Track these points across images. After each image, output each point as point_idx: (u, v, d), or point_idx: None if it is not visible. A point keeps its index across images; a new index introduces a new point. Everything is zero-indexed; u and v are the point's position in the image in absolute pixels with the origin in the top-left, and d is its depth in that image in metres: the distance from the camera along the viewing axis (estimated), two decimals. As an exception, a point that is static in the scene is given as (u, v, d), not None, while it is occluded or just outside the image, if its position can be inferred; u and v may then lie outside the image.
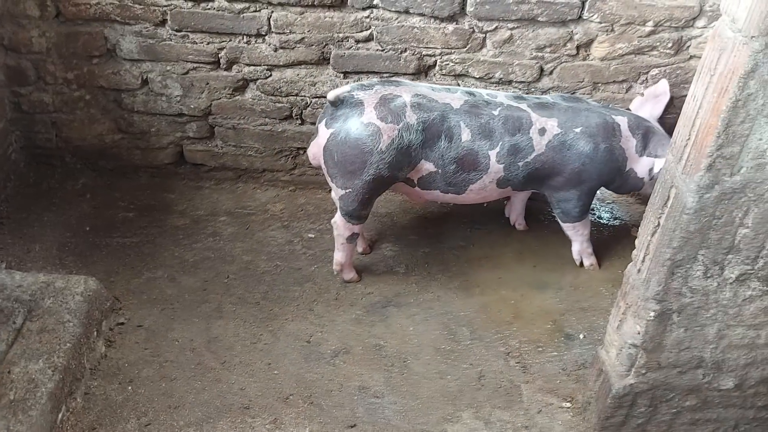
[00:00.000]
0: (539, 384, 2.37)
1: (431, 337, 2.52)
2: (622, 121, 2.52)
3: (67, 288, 2.37)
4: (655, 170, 2.53)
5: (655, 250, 1.78)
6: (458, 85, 2.84)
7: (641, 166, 2.58)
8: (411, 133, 2.33)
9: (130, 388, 2.27)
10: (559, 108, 2.49)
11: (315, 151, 2.46)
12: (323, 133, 2.38)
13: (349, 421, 2.21)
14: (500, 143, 2.41)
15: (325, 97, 2.87)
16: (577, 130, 2.45)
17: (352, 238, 2.58)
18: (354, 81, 2.84)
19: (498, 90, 2.65)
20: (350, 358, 2.42)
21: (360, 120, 2.31)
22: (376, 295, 2.68)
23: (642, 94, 2.75)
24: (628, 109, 2.73)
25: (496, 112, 2.41)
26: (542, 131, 2.44)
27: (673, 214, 1.70)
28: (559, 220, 2.71)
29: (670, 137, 2.60)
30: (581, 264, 2.82)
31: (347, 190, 2.42)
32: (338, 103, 2.35)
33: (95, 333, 2.35)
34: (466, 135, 2.38)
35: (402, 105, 2.33)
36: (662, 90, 2.71)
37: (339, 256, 2.64)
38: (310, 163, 2.57)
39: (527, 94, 2.58)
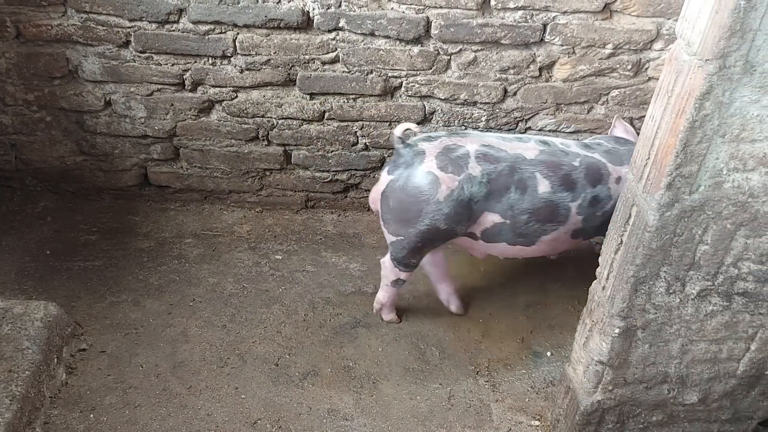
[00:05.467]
0: (509, 402, 2.38)
1: (401, 357, 2.51)
2: None
3: (26, 314, 2.30)
4: None
5: (619, 267, 1.82)
6: (424, 106, 2.87)
7: None
8: (473, 185, 2.22)
9: (92, 416, 2.21)
10: (618, 153, 2.41)
11: (374, 195, 2.39)
12: (384, 179, 2.32)
13: (319, 444, 2.18)
14: (582, 195, 2.31)
15: (291, 118, 2.90)
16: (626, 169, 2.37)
17: (396, 283, 2.50)
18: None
19: (567, 139, 2.53)
20: (319, 381, 2.40)
21: (419, 168, 2.22)
22: (344, 316, 2.67)
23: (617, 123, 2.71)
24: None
25: (576, 163, 2.31)
26: (618, 179, 2.36)
27: (635, 232, 1.73)
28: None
29: None
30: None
31: (399, 238, 2.34)
32: (405, 140, 2.27)
33: (56, 360, 2.29)
34: (543, 186, 2.26)
35: (465, 155, 2.24)
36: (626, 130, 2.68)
37: (381, 295, 2.58)
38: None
39: (584, 140, 2.49)
